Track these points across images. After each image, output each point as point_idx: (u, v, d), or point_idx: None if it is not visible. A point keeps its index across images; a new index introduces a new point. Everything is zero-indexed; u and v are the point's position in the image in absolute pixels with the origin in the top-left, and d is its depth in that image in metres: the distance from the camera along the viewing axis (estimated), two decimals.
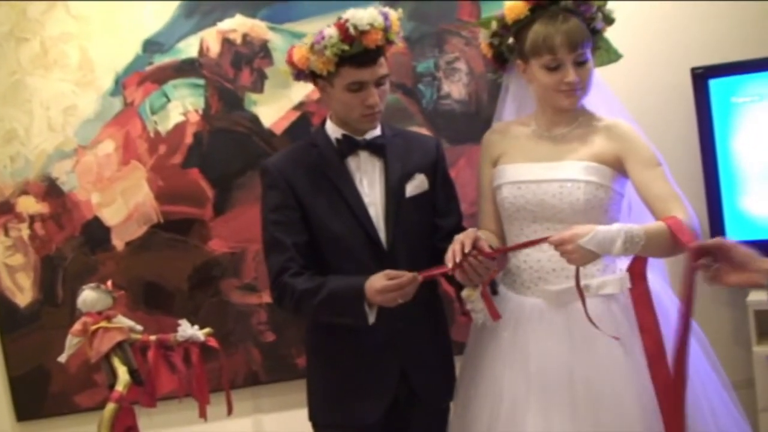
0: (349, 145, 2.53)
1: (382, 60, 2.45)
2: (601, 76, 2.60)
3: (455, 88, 3.31)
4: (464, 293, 2.39)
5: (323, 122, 2.61)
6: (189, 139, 3.27)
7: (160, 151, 3.26)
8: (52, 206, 3.24)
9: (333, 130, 2.56)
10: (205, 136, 3.27)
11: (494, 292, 2.48)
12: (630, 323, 2.39)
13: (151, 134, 3.26)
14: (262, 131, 3.28)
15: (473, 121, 3.28)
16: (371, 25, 2.37)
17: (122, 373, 2.41)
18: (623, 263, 2.46)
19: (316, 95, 3.24)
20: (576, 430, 2.33)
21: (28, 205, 3.25)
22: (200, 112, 3.26)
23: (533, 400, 2.38)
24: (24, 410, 3.31)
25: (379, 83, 2.45)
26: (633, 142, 2.44)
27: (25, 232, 3.25)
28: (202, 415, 2.64)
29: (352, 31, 2.36)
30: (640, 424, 2.32)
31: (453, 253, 2.29)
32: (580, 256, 2.21)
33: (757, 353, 3.05)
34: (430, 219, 2.59)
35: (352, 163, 2.54)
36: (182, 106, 3.26)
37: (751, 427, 2.55)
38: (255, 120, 3.28)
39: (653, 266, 2.52)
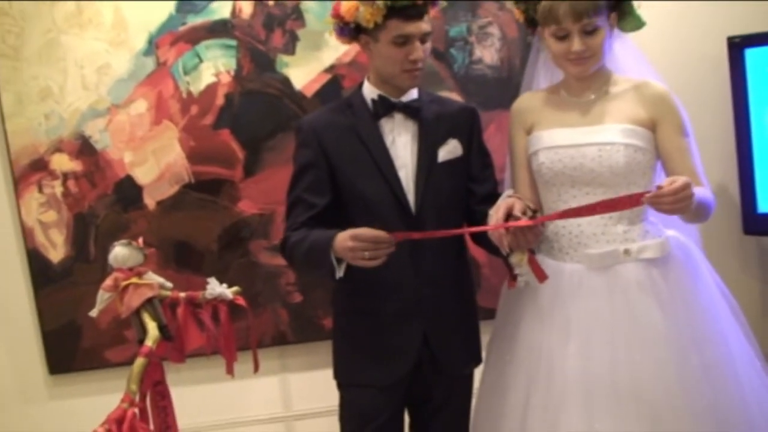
0: (385, 106, 2.52)
1: (426, 17, 2.45)
2: (635, 43, 2.59)
3: (487, 53, 3.29)
4: (514, 259, 2.38)
5: (360, 83, 2.61)
6: (220, 100, 3.29)
7: (191, 112, 3.28)
8: (85, 164, 3.28)
9: (370, 91, 2.56)
10: (236, 97, 3.29)
11: (532, 253, 2.48)
12: (670, 289, 2.39)
13: (184, 94, 3.28)
14: (292, 93, 3.29)
15: (505, 87, 3.27)
16: None
17: (152, 329, 2.43)
18: (663, 228, 2.46)
19: (347, 58, 3.26)
20: (616, 394, 2.32)
21: (62, 162, 3.29)
22: (232, 73, 3.28)
23: (574, 364, 2.37)
24: (56, 364, 3.38)
25: (423, 39, 2.45)
26: (667, 105, 2.44)
27: (59, 190, 3.30)
28: (230, 371, 2.67)
29: None
30: (679, 385, 2.32)
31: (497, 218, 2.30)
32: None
33: None
34: (463, 185, 2.59)
35: (386, 124, 2.53)
36: (214, 67, 3.28)
37: None
38: (286, 82, 3.29)
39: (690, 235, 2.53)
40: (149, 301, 2.47)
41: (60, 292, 3.32)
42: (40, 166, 3.29)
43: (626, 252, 2.40)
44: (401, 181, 2.50)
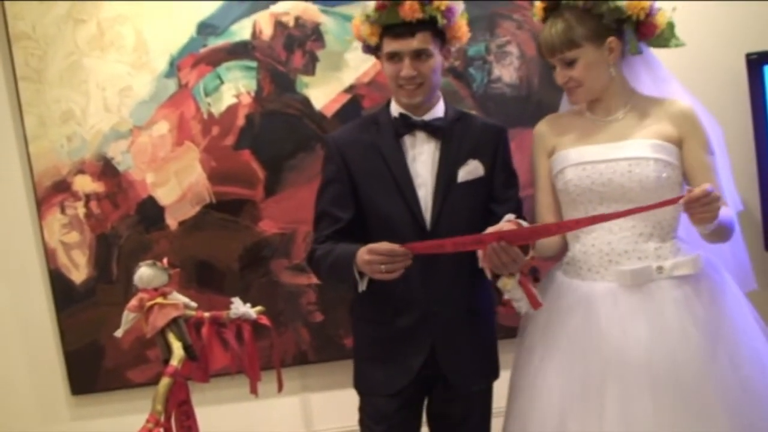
0: (406, 124, 2.54)
1: (423, 35, 2.46)
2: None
3: (506, 72, 3.31)
4: (499, 283, 2.38)
5: (389, 100, 2.64)
6: (241, 121, 3.31)
7: (213, 133, 3.31)
8: (107, 185, 3.31)
9: (394, 108, 2.59)
10: (257, 118, 3.31)
11: (535, 279, 2.47)
12: (704, 306, 2.38)
13: (205, 116, 3.30)
14: (313, 114, 3.31)
15: (524, 105, 3.29)
16: None
17: (177, 349, 2.45)
18: (696, 246, 2.45)
19: (367, 78, 3.29)
20: (657, 413, 2.31)
21: (84, 183, 3.32)
22: (252, 94, 3.30)
23: (611, 386, 2.36)
24: (78, 384, 3.39)
25: (418, 57, 2.47)
26: (693, 122, 2.45)
27: (81, 211, 3.32)
28: (253, 391, 2.67)
29: (386, 0, 2.44)
30: (720, 404, 2.30)
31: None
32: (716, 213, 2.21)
33: None
34: (483, 205, 2.58)
35: (408, 142, 2.55)
36: (235, 88, 3.30)
37: None
38: (306, 102, 3.31)
39: (722, 259, 2.53)
40: (174, 321, 2.48)
41: (82, 312, 3.34)
42: (62, 187, 3.31)
43: (659, 269, 2.39)
44: (419, 199, 2.52)
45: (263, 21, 3.29)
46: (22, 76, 3.28)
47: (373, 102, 3.25)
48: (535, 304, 2.37)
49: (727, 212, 2.37)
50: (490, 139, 2.60)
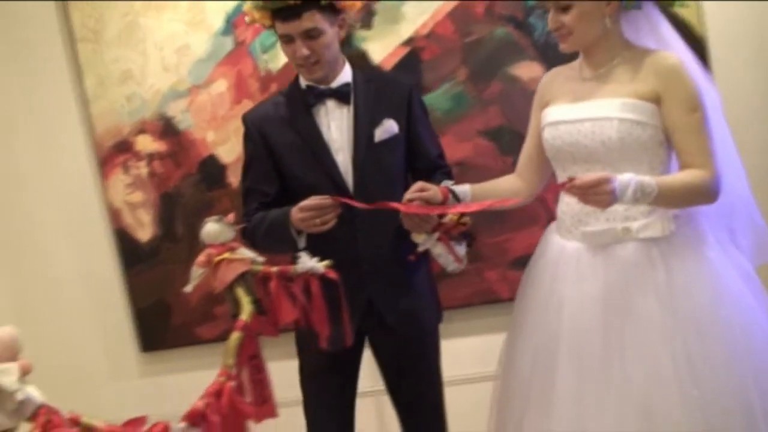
0: (315, 95, 2.59)
1: (310, 14, 2.47)
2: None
3: None
4: (412, 236, 2.51)
5: (297, 75, 2.67)
6: None
7: (271, 90, 3.30)
8: (168, 144, 3.34)
9: (302, 81, 2.63)
10: None
11: (469, 245, 2.53)
12: (668, 271, 2.29)
13: (262, 73, 3.30)
14: (371, 68, 3.27)
15: None
16: None
17: (246, 303, 2.44)
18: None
19: (425, 30, 3.24)
20: (606, 380, 2.27)
21: (146, 143, 3.35)
22: None
23: (564, 347, 2.33)
24: (148, 341, 3.47)
25: (309, 36, 2.49)
26: (674, 78, 2.29)
27: (144, 171, 3.36)
28: (322, 344, 2.68)
29: None
30: (672, 375, 2.22)
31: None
32: (611, 199, 2.15)
33: None
34: (402, 161, 2.64)
35: (321, 111, 2.60)
36: None
37: None
38: (364, 56, 3.28)
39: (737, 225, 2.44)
40: (242, 276, 2.49)
41: (149, 271, 3.39)
42: (124, 147, 3.35)
43: (625, 230, 2.33)
44: (338, 165, 2.57)
45: None
46: (81, 38, 3.32)
47: (432, 54, 3.21)
48: (457, 261, 2.48)
49: (683, 178, 2.26)
50: (400, 96, 2.64)
